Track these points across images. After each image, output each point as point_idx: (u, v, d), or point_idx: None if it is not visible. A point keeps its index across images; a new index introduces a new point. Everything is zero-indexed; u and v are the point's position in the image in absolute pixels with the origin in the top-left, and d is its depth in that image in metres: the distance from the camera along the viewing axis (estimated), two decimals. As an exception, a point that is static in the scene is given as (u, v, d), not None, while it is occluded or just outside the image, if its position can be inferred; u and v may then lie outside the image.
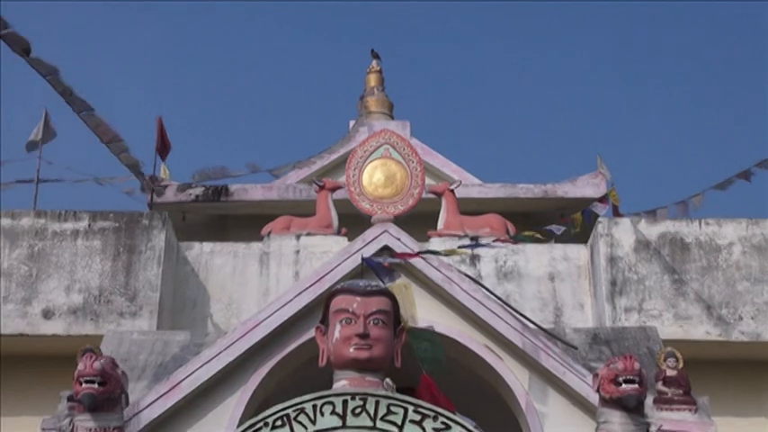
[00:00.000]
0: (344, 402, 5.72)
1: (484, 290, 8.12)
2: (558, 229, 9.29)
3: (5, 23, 6.59)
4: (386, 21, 31.91)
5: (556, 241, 10.06)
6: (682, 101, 30.80)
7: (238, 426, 6.70)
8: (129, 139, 9.18)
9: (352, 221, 9.74)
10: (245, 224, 11.68)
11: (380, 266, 7.92)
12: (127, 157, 9.22)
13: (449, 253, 8.45)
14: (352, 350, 5.95)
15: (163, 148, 11.63)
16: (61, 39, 28.01)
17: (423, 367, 7.27)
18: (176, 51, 33.07)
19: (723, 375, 9.28)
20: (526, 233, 9.03)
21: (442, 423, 5.70)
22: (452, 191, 10.79)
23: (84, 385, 5.75)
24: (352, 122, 13.40)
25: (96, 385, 5.74)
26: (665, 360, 7.79)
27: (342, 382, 5.93)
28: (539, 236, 8.79)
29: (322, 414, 5.70)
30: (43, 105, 11.58)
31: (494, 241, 9.63)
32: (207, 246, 10.38)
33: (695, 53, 31.26)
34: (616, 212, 10.70)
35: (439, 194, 10.67)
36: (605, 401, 5.80)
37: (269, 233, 10.49)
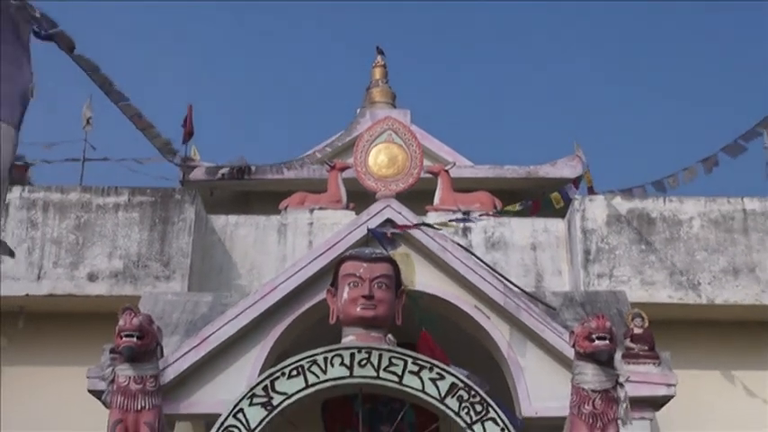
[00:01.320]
0: (352, 355, 5.71)
1: (474, 258, 8.11)
2: (527, 199, 9.42)
3: (54, 23, 6.50)
4: (390, 20, 32.04)
5: (537, 215, 10.05)
6: (662, 92, 30.83)
7: (258, 375, 6.71)
8: (159, 124, 9.12)
9: (359, 197, 9.73)
10: (266, 199, 11.65)
11: (384, 236, 7.92)
12: (160, 141, 9.17)
13: (443, 225, 8.44)
14: (358, 309, 5.93)
15: (190, 130, 11.71)
16: (97, 31, 27.93)
17: (421, 325, 7.27)
18: (205, 45, 33.27)
19: (683, 334, 9.29)
20: (509, 208, 9.05)
21: (437, 373, 5.69)
22: (447, 171, 10.78)
23: (124, 339, 5.75)
24: (358, 110, 13.38)
25: (135, 339, 5.74)
26: (632, 320, 7.81)
27: (349, 338, 5.92)
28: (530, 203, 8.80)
29: (332, 365, 5.69)
30: (87, 95, 11.55)
31: (483, 215, 9.66)
32: (232, 218, 10.37)
33: (674, 44, 31.15)
34: (590, 191, 10.71)
35: (435, 174, 10.65)
36: (580, 355, 5.78)
37: (286, 207, 10.48)
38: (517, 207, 9.18)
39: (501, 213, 9.89)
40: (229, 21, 32.65)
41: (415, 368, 5.69)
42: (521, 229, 10.15)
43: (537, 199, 9.68)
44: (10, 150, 6.17)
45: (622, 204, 9.88)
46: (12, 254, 5.95)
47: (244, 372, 7.49)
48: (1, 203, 6.08)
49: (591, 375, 5.73)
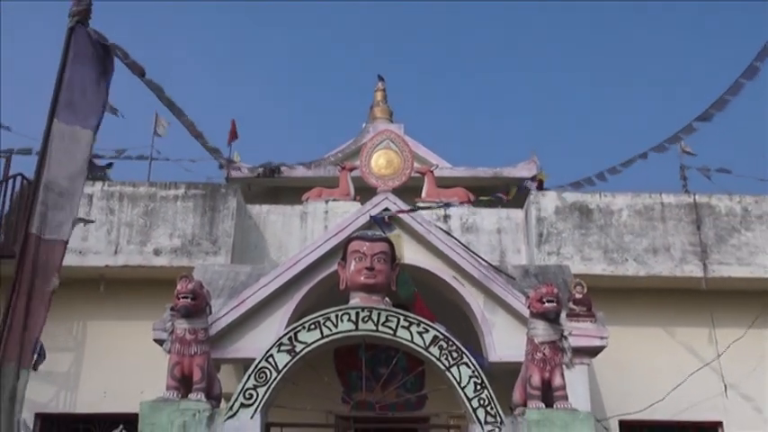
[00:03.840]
0: (357, 313, 5.69)
1: (452, 238, 8.09)
2: (495, 193, 9.37)
3: (126, 53, 6.45)
4: (389, 53, 32.23)
5: (501, 207, 10.04)
6: (606, 104, 31.01)
7: (285, 329, 6.69)
8: (206, 129, 9.06)
9: (364, 191, 9.69)
10: (291, 193, 11.65)
11: (382, 221, 7.90)
12: (210, 148, 9.13)
13: (428, 209, 8.45)
14: (362, 278, 5.91)
15: (233, 138, 11.81)
16: (148, 39, 28.12)
17: (399, 292, 7.21)
18: (246, 61, 33.55)
19: (614, 298, 9.26)
20: (483, 198, 9.03)
21: (423, 328, 5.68)
22: (432, 171, 10.76)
23: (181, 300, 5.71)
24: (363, 124, 13.38)
25: (189, 300, 5.71)
26: (574, 287, 7.80)
27: (355, 300, 5.90)
28: (501, 196, 8.72)
29: (342, 321, 5.68)
30: (153, 110, 11.60)
31: (460, 205, 9.65)
32: (264, 207, 10.35)
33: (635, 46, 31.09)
34: (542, 187, 10.69)
35: (423, 174, 10.62)
36: (533, 314, 5.76)
37: (307, 199, 10.47)
38: (492, 197, 9.12)
39: (474, 204, 9.90)
40: (270, 51, 32.98)
41: (406, 324, 5.68)
42: (489, 217, 10.15)
43: (503, 191, 9.68)
44: (87, 151, 6.14)
45: (568, 198, 9.87)
46: (90, 221, 5.92)
47: (273, 326, 7.49)
48: (81, 188, 6.06)
49: (542, 330, 5.72)
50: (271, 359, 5.58)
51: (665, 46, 30.55)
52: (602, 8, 30.14)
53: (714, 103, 7.08)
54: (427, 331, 5.66)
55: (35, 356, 5.60)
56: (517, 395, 5.75)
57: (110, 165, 11.30)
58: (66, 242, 5.89)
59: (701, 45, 31.08)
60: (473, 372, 5.55)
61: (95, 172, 10.58)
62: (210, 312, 6.15)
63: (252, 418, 5.46)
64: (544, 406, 5.57)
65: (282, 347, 5.60)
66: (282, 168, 11.33)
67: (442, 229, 8.32)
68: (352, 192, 10.43)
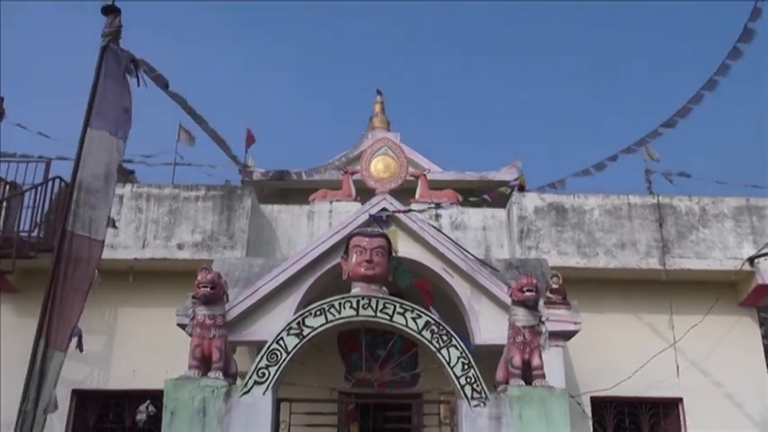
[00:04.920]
0: (357, 301, 5.71)
1: (442, 234, 8.09)
2: (481, 194, 9.36)
3: (152, 68, 6.47)
4: (386, 69, 32.32)
5: (486, 207, 10.04)
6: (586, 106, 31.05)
7: (293, 315, 6.70)
8: (224, 133, 9.01)
9: (364, 193, 9.69)
10: (299, 194, 11.61)
11: (380, 219, 7.90)
12: (229, 152, 9.16)
13: (421, 211, 8.44)
14: (362, 269, 5.93)
15: (250, 144, 11.73)
16: (173, 42, 28.17)
17: (397, 281, 7.20)
18: (263, 75, 33.65)
19: (586, 288, 9.25)
20: (471, 199, 9.03)
21: (416, 314, 5.69)
22: (425, 175, 10.72)
23: (201, 289, 5.72)
24: (363, 132, 13.36)
25: (209, 289, 5.71)
26: (551, 278, 7.80)
27: (356, 289, 5.92)
28: (487, 198, 8.72)
29: (344, 308, 5.69)
30: (177, 119, 11.60)
31: (450, 205, 9.65)
32: (276, 207, 10.31)
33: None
34: (522, 188, 10.66)
35: (416, 177, 10.59)
36: (515, 302, 5.78)
37: (313, 200, 10.43)
38: (479, 198, 9.09)
39: (462, 204, 9.88)
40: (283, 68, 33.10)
41: (401, 310, 5.70)
42: (475, 216, 10.12)
43: (492, 195, 9.66)
44: (117, 157, 6.16)
45: (545, 199, 9.85)
46: (114, 222, 5.93)
47: (283, 312, 7.48)
48: (112, 190, 6.08)
49: (522, 316, 5.73)
50: (281, 342, 5.59)
51: (643, 53, 30.56)
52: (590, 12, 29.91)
53: (678, 110, 7.10)
54: (420, 317, 5.67)
55: (74, 339, 5.63)
56: (500, 374, 5.77)
57: (132, 171, 11.30)
58: (103, 242, 5.93)
59: (674, 56, 31.08)
60: (461, 353, 5.57)
61: (124, 175, 10.57)
62: (227, 300, 6.16)
63: (264, 394, 5.47)
64: (524, 384, 5.59)
65: (291, 331, 5.62)
66: (292, 173, 11.36)
67: (433, 226, 8.31)
68: (354, 193, 10.40)
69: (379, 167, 9.46)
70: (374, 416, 7.73)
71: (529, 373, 5.63)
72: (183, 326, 6.98)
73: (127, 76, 6.39)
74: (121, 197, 9.55)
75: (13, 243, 8.88)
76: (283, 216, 10.19)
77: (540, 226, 9.69)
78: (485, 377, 5.56)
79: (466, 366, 5.52)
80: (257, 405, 5.43)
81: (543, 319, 5.80)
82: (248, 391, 5.48)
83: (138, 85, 6.52)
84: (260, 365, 5.54)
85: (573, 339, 7.84)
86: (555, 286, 7.65)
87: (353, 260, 6.00)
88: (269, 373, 5.52)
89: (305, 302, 7.51)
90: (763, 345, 9.88)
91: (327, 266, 7.71)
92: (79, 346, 5.73)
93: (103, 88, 6.25)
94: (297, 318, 5.68)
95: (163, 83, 6.60)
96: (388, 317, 5.66)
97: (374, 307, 5.68)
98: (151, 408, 8.97)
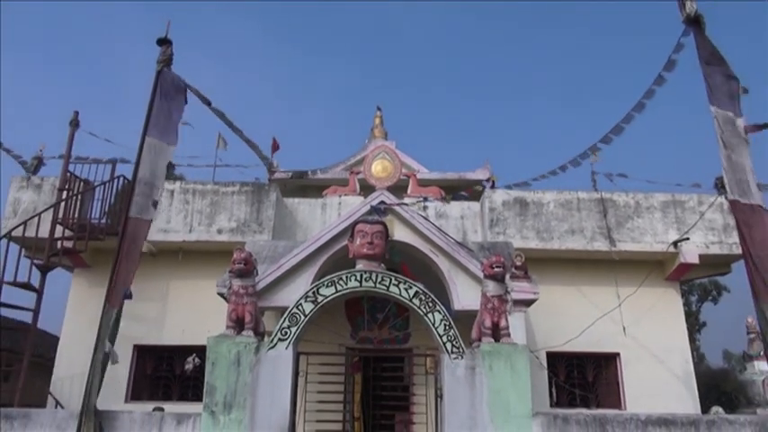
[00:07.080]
0: (361, 275, 5.70)
1: (429, 223, 8.07)
2: (460, 193, 9.36)
3: (197, 90, 6.43)
4: (385, 89, 32.05)
5: (464, 201, 10.02)
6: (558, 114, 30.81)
7: (310, 285, 6.69)
8: (254, 137, 8.91)
9: (366, 189, 9.67)
10: (315, 190, 11.59)
11: (380, 210, 7.87)
12: (260, 155, 9.09)
13: (412, 204, 8.41)
14: (365, 250, 5.91)
15: (275, 150, 11.62)
16: (208, 57, 27.97)
17: (392, 258, 7.20)
18: (278, 89, 33.31)
19: (543, 265, 9.29)
20: (452, 194, 8.99)
21: (408, 285, 5.68)
22: (415, 175, 10.71)
23: (236, 265, 5.68)
24: (366, 141, 13.31)
25: (242, 265, 5.70)
26: (515, 257, 7.77)
27: (360, 266, 5.90)
28: (464, 194, 8.67)
29: (350, 280, 5.68)
30: (216, 129, 11.51)
31: (435, 199, 9.61)
32: (296, 200, 10.27)
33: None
34: (494, 186, 10.64)
35: (408, 177, 10.59)
36: (486, 276, 5.77)
37: (326, 194, 10.42)
38: (462, 193, 9.09)
39: (444, 199, 9.85)
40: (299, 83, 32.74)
41: (396, 282, 5.69)
42: (455, 208, 10.08)
43: (469, 191, 9.71)
44: (166, 162, 6.16)
45: (511, 194, 9.82)
46: (155, 205, 5.93)
47: (301, 284, 7.46)
48: (162, 184, 6.08)
49: (492, 287, 5.73)
50: (300, 307, 5.59)
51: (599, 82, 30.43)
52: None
53: (612, 128, 7.03)
54: (411, 288, 5.67)
55: (124, 298, 5.66)
56: (474, 333, 5.77)
57: (180, 176, 11.21)
58: (150, 221, 5.98)
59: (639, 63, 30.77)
60: (443, 316, 5.57)
61: (173, 173, 10.52)
62: (257, 274, 6.15)
63: (287, 348, 5.48)
64: (494, 341, 5.59)
65: (308, 299, 5.61)
66: (309, 172, 11.29)
67: (422, 215, 8.29)
68: (358, 189, 10.38)
69: (378, 169, 9.45)
70: (374, 366, 7.76)
71: (497, 333, 5.63)
72: (221, 294, 6.98)
73: (177, 95, 6.37)
74: (172, 192, 9.52)
75: (86, 228, 8.89)
76: (302, 207, 10.17)
77: (506, 216, 9.67)
78: (462, 336, 5.56)
79: (447, 327, 5.53)
80: (281, 357, 5.43)
81: (509, 289, 5.80)
82: (274, 346, 5.48)
83: (186, 103, 6.50)
84: (283, 326, 5.54)
85: (533, 306, 7.85)
86: (518, 264, 7.65)
87: (358, 242, 5.99)
88: (290, 332, 5.52)
89: (319, 276, 7.52)
90: (684, 311, 9.92)
91: (337, 247, 7.69)
92: (129, 297, 5.74)
93: (158, 104, 6.24)
94: (312, 288, 5.68)
95: (206, 101, 6.55)
96: (385, 287, 5.66)
97: (374, 280, 5.67)
98: (196, 359, 9.00)
